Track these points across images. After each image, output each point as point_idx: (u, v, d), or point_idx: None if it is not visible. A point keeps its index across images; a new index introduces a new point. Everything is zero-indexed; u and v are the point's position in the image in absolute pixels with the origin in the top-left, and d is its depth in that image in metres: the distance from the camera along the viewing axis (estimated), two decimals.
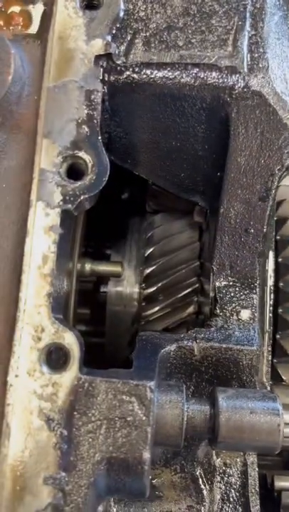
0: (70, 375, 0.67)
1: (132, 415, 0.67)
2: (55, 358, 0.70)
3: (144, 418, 0.67)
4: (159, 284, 1.14)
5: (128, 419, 0.67)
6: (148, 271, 1.15)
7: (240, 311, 0.92)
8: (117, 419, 0.67)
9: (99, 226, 1.23)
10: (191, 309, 1.13)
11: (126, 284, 1.19)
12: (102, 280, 1.21)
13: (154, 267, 1.15)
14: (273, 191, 0.86)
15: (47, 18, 0.77)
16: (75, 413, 0.66)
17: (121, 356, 1.17)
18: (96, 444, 0.66)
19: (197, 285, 1.13)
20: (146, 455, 0.66)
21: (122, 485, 0.68)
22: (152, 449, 0.69)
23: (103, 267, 1.09)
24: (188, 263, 1.14)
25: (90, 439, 0.66)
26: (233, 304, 0.92)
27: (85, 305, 1.21)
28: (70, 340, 0.67)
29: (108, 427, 0.66)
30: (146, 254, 1.16)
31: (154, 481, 0.91)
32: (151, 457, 0.67)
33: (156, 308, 1.13)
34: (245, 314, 0.91)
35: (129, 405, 0.67)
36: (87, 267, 1.06)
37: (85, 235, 1.16)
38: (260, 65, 0.78)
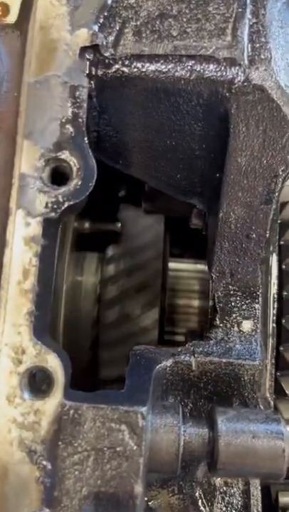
0: (54, 401, 0.61)
1: (123, 445, 0.61)
2: (39, 380, 0.64)
3: (135, 448, 0.61)
4: (119, 285, 1.10)
5: (118, 449, 0.61)
6: (107, 272, 1.12)
7: (241, 322, 0.86)
8: (105, 449, 0.61)
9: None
10: (155, 315, 1.10)
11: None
12: None
13: (113, 268, 1.11)
14: (277, 194, 0.80)
15: (27, 6, 0.70)
16: (60, 443, 0.60)
17: (83, 360, 1.12)
18: (83, 478, 0.60)
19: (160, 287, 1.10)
20: (138, 489, 0.60)
21: None
22: (145, 481, 0.63)
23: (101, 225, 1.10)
24: (152, 263, 1.10)
25: (77, 472, 0.60)
26: (234, 315, 0.86)
27: None
28: (54, 363, 0.61)
29: (96, 458, 0.61)
30: (108, 256, 1.12)
31: (150, 503, 0.86)
32: (143, 491, 0.62)
33: (116, 311, 1.09)
34: (246, 326, 0.85)
35: (119, 434, 0.61)
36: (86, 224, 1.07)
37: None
38: (262, 56, 0.71)
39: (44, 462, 0.60)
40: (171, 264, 1.25)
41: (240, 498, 0.87)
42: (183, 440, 0.69)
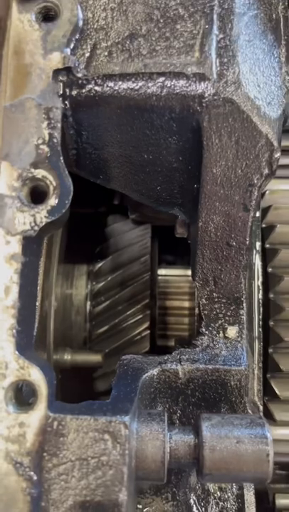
0: (38, 413, 0.62)
1: (106, 454, 0.62)
2: (26, 394, 0.66)
3: (118, 457, 0.62)
4: (108, 301, 1.12)
5: (102, 458, 0.62)
6: (96, 287, 1.14)
7: (226, 329, 0.87)
8: (90, 459, 0.62)
9: (89, 233, 1.21)
10: (144, 326, 1.11)
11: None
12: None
13: (102, 283, 1.13)
14: (254, 201, 0.81)
15: (1, 32, 0.73)
16: (45, 454, 0.62)
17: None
18: (69, 487, 0.62)
19: (148, 300, 1.11)
20: (123, 497, 0.62)
21: None
22: (130, 489, 0.65)
23: (83, 357, 1.10)
24: (140, 277, 1.12)
25: (62, 482, 0.62)
26: (219, 321, 0.87)
27: None
28: (37, 377, 0.63)
29: (81, 468, 0.62)
30: (94, 270, 1.14)
31: (144, 511, 0.87)
32: (128, 498, 0.63)
33: (106, 327, 1.11)
34: (232, 332, 0.87)
35: (102, 444, 0.63)
36: (67, 357, 1.08)
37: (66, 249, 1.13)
38: (231, 70, 0.73)
39: (30, 473, 0.61)
40: (162, 271, 1.27)
41: (234, 503, 0.88)
42: (169, 447, 0.70)
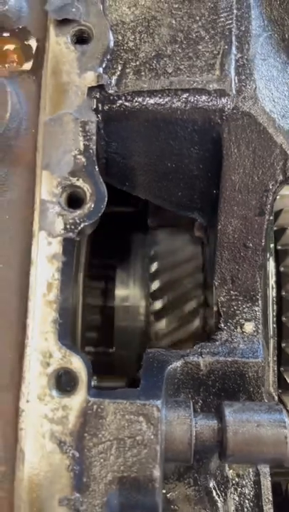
0: (79, 398, 0.69)
1: (141, 434, 0.69)
2: (65, 381, 0.72)
3: (152, 437, 0.69)
4: (165, 299, 1.15)
5: (137, 438, 0.69)
6: (154, 286, 1.17)
7: (243, 324, 0.94)
8: (126, 438, 0.69)
9: (104, 242, 1.26)
10: (197, 322, 1.15)
11: (133, 300, 1.21)
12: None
13: (159, 282, 1.17)
14: (269, 206, 0.88)
15: (40, 54, 0.80)
16: (86, 435, 0.68)
17: (131, 372, 1.19)
18: (107, 465, 0.68)
19: (202, 297, 1.15)
20: (157, 473, 0.68)
21: (134, 503, 0.69)
22: (162, 467, 0.71)
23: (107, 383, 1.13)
24: (193, 276, 1.15)
25: (102, 460, 0.68)
26: (237, 318, 0.94)
27: (93, 325, 1.24)
28: (78, 365, 0.70)
29: (118, 447, 0.68)
30: (151, 271, 1.17)
31: (168, 495, 0.93)
32: (161, 475, 0.69)
33: (164, 323, 1.15)
34: (248, 327, 0.93)
35: (138, 425, 0.69)
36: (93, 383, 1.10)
37: (90, 252, 1.19)
38: (248, 87, 0.80)
39: (73, 452, 0.68)
40: None
41: (251, 488, 0.93)
42: (195, 431, 0.76)
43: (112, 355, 1.24)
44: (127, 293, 1.22)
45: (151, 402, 0.70)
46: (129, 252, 1.29)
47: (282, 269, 1.08)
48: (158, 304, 1.15)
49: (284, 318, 1.07)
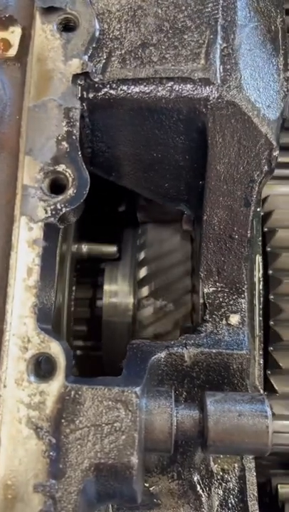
0: (57, 383, 0.68)
1: (119, 421, 0.68)
2: (44, 367, 0.72)
3: (130, 423, 0.68)
4: (152, 286, 1.15)
5: (115, 425, 0.68)
6: (141, 274, 1.17)
7: (229, 316, 0.93)
8: (104, 425, 0.68)
9: (95, 239, 1.26)
10: (184, 310, 1.14)
11: (121, 295, 1.21)
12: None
13: (146, 270, 1.16)
14: (255, 196, 0.88)
15: (26, 41, 0.81)
16: (63, 421, 0.67)
17: (119, 367, 1.18)
18: (84, 451, 0.67)
19: (190, 285, 1.14)
20: (134, 460, 0.67)
21: (112, 491, 0.69)
22: (141, 455, 0.70)
23: (99, 248, 1.18)
24: (181, 264, 1.15)
25: (79, 446, 0.67)
26: (222, 309, 0.93)
27: (81, 319, 1.23)
28: (56, 350, 0.69)
29: (96, 433, 0.68)
30: (138, 260, 1.17)
31: (151, 489, 0.92)
32: (140, 463, 0.68)
33: (151, 311, 1.14)
34: (234, 319, 0.93)
35: (116, 411, 0.68)
36: (84, 248, 1.15)
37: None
38: (233, 76, 0.81)
39: (49, 438, 0.67)
40: None
41: (236, 483, 0.92)
42: (176, 420, 0.75)
43: (101, 350, 1.23)
44: (116, 288, 1.22)
45: (130, 389, 0.69)
46: (120, 247, 1.28)
47: (270, 272, 1.07)
48: (144, 291, 1.15)
49: (271, 322, 1.06)
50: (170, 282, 1.15)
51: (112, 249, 1.21)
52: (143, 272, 1.16)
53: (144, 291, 1.15)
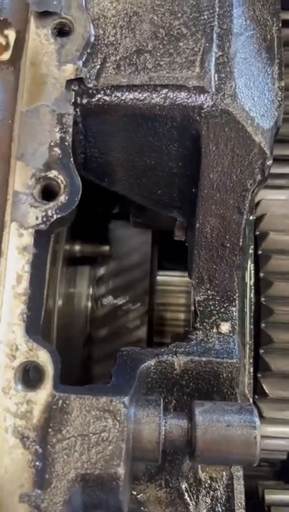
0: (44, 392, 0.68)
1: (106, 431, 0.68)
2: (32, 376, 0.71)
3: (118, 434, 0.68)
4: (109, 285, 1.18)
5: (102, 435, 0.67)
6: (99, 273, 1.20)
7: (220, 324, 0.93)
8: (91, 435, 0.67)
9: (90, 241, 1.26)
10: (143, 309, 1.17)
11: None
12: None
13: (104, 287, 1.19)
14: (247, 205, 0.88)
15: (20, 45, 0.80)
16: (50, 430, 0.67)
17: (74, 377, 1.18)
18: (71, 461, 0.67)
19: (147, 307, 1.17)
20: (121, 471, 0.67)
21: (98, 501, 0.68)
22: (129, 465, 0.70)
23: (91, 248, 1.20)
24: (141, 265, 1.18)
25: (65, 456, 0.67)
26: (213, 317, 0.93)
27: None
28: (44, 358, 0.68)
29: (83, 443, 0.67)
30: (97, 276, 1.20)
31: (139, 497, 0.92)
32: (126, 473, 0.68)
33: (106, 330, 1.16)
34: (224, 327, 0.92)
35: (104, 421, 0.68)
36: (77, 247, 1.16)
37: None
38: (228, 84, 0.80)
39: (36, 447, 0.66)
40: (160, 278, 1.32)
41: (224, 492, 0.92)
42: (164, 430, 0.75)
43: None
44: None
45: (118, 398, 0.69)
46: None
47: (262, 274, 1.08)
48: (101, 290, 1.16)
49: (263, 325, 1.06)
50: (128, 281, 1.17)
51: (105, 248, 1.22)
52: (101, 271, 1.18)
53: (101, 289, 1.17)
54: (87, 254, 1.23)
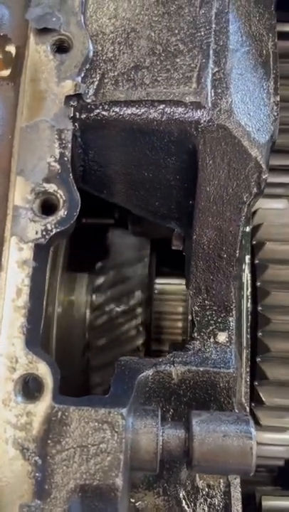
0: (44, 404, 0.69)
1: (105, 442, 0.69)
2: (32, 387, 0.72)
3: (116, 445, 0.69)
4: (108, 293, 1.19)
5: (101, 446, 0.69)
6: (98, 281, 1.21)
7: (217, 334, 0.94)
8: (90, 446, 0.69)
9: (90, 249, 1.28)
10: (141, 317, 1.18)
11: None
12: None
13: (102, 296, 1.20)
14: (244, 217, 0.89)
15: (19, 61, 0.81)
16: (49, 442, 0.68)
17: (73, 385, 1.19)
18: (70, 472, 0.68)
19: (145, 316, 1.18)
20: (119, 482, 0.68)
21: (96, 511, 0.69)
22: (127, 475, 0.71)
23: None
24: (137, 273, 1.19)
25: (64, 467, 0.68)
26: (210, 327, 0.94)
27: None
28: (43, 371, 0.70)
29: (81, 454, 0.68)
30: (95, 285, 1.21)
31: (137, 505, 0.93)
32: (125, 483, 0.69)
33: (104, 339, 1.18)
34: (221, 337, 0.94)
35: (102, 432, 0.69)
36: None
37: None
38: (224, 100, 0.82)
39: (36, 458, 0.67)
40: (158, 287, 1.33)
41: (221, 499, 0.93)
42: (161, 440, 0.76)
43: None
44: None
45: (117, 410, 0.70)
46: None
47: (259, 283, 1.09)
48: (100, 298, 1.17)
49: (260, 333, 1.08)
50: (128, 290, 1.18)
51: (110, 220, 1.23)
52: (100, 280, 1.19)
53: (100, 298, 1.18)
54: (92, 224, 1.24)
